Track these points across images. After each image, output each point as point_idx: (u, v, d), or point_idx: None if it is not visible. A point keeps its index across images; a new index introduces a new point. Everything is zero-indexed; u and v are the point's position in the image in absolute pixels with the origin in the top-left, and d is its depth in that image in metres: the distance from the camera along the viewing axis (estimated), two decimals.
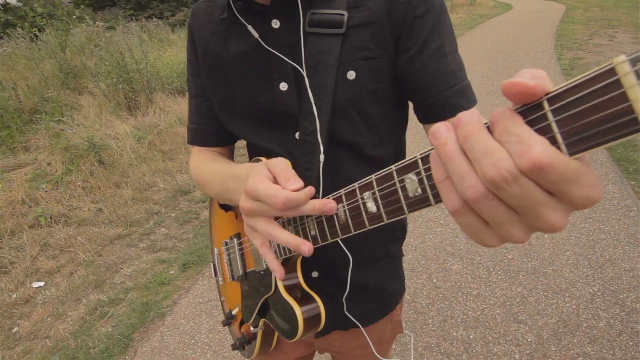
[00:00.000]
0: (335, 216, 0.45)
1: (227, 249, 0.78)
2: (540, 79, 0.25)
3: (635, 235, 2.19)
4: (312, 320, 0.61)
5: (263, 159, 0.57)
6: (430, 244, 2.32)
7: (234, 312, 0.80)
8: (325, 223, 0.47)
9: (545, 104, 0.25)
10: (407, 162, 0.34)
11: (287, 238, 0.49)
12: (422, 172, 0.33)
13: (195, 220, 2.98)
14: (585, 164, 0.25)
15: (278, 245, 0.56)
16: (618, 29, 9.77)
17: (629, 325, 1.66)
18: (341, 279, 0.67)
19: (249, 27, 0.59)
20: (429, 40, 0.57)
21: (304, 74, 0.57)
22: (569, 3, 19.58)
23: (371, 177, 0.40)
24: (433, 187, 0.32)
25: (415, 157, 0.33)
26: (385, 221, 0.39)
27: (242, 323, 0.81)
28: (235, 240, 0.74)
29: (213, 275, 0.88)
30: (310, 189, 0.47)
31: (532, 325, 1.72)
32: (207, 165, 0.72)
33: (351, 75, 0.58)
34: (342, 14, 0.56)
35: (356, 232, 0.44)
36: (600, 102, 0.22)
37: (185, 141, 4.17)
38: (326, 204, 0.45)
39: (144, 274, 2.41)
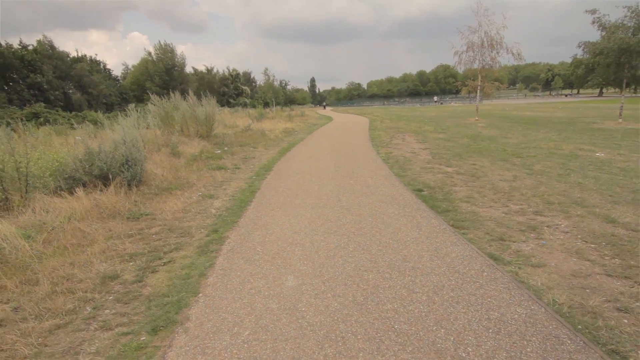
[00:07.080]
0: None
1: None
2: None
3: (444, 241, 3.81)
4: None
5: None
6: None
7: None
8: None
9: None
10: None
11: None
12: None
13: (140, 297, 3.10)
14: None
15: None
16: (405, 134, 14.30)
17: (415, 281, 3.02)
18: None
19: None
20: None
21: None
22: (369, 117, 26.73)
23: None
24: None
25: None
26: None
27: None
28: None
29: None
30: None
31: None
32: None
33: None
34: None
35: None
36: None
37: (87, 235, 4.12)
38: None
39: (112, 347, 2.46)
